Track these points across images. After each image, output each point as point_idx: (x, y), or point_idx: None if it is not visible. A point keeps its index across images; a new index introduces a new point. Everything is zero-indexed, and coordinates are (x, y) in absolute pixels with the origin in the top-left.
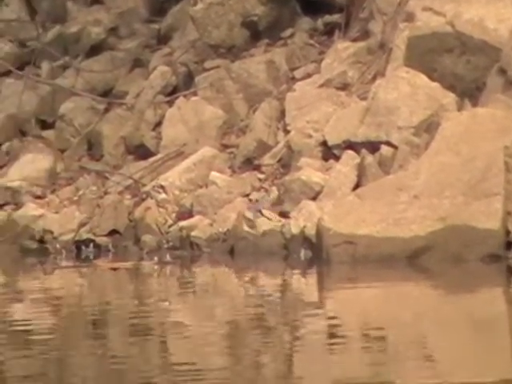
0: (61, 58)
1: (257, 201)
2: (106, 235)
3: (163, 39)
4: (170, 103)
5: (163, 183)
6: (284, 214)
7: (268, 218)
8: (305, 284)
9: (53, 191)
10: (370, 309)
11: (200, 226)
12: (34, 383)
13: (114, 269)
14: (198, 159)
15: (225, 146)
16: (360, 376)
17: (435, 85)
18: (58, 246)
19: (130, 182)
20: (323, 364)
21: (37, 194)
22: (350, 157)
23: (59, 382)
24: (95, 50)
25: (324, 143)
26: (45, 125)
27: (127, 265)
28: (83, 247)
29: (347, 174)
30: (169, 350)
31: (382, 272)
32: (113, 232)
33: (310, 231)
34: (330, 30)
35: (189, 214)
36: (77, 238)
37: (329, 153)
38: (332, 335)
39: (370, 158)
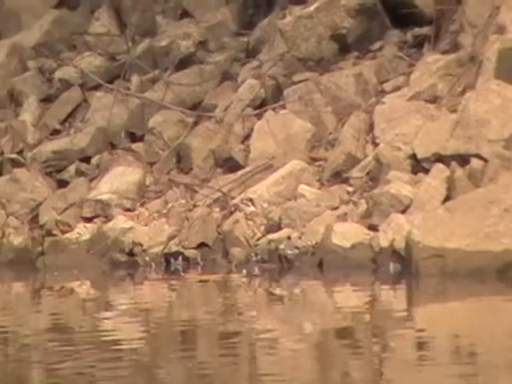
0: (150, 71)
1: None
2: (194, 248)
3: (252, 52)
4: (259, 116)
5: (252, 196)
6: (373, 227)
7: None
8: (394, 297)
9: (142, 204)
10: (460, 322)
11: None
12: None
13: (203, 281)
14: (286, 172)
15: (313, 159)
16: None
17: None
18: (147, 258)
19: (218, 195)
20: (412, 377)
21: (126, 206)
22: (439, 170)
23: None
24: (184, 63)
25: (413, 156)
26: (134, 138)
27: (216, 277)
28: (172, 260)
29: (437, 187)
30: (257, 362)
31: (471, 286)
32: (201, 245)
33: (399, 244)
34: (419, 43)
35: (277, 227)
36: (166, 251)
37: (418, 166)
38: (421, 348)
39: (459, 171)
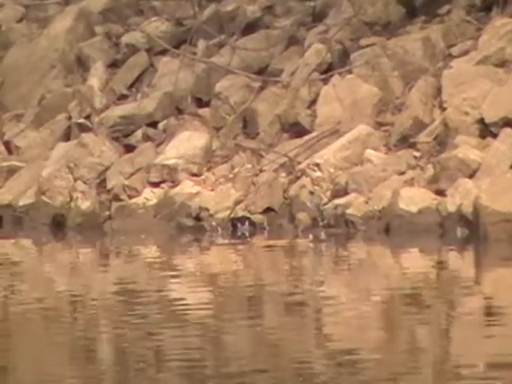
0: (217, 36)
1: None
2: (261, 213)
3: (318, 17)
4: (325, 81)
5: (318, 161)
6: (440, 192)
7: None
8: (461, 262)
9: (208, 169)
10: None
11: (355, 204)
12: (191, 362)
13: (270, 246)
14: (353, 137)
15: (380, 124)
16: None
17: None
18: (213, 223)
19: (284, 159)
20: (480, 341)
21: (193, 171)
22: (507, 134)
23: (215, 357)
24: (251, 28)
25: (481, 120)
26: (200, 103)
27: (282, 242)
28: (239, 225)
29: (505, 151)
30: (323, 327)
31: None
32: (268, 210)
33: (467, 209)
34: (487, 7)
35: (344, 192)
36: (232, 216)
37: (486, 130)
38: (489, 313)
39: None
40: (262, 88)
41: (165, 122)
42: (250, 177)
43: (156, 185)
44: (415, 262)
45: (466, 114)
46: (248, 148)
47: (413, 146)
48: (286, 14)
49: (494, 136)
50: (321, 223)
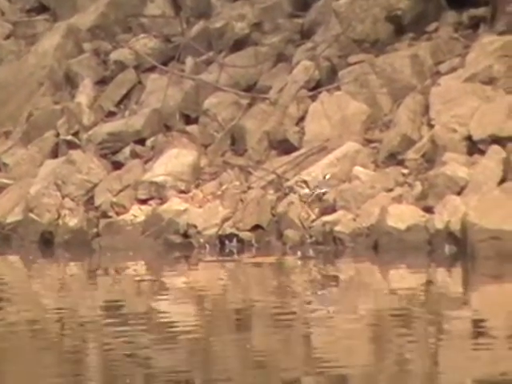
0: (205, 53)
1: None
2: (249, 230)
3: (307, 34)
4: (314, 98)
5: (306, 178)
6: (428, 209)
7: None
8: (449, 279)
9: (197, 186)
10: None
11: (343, 221)
12: (178, 379)
13: (258, 263)
14: (341, 154)
15: (368, 141)
16: (505, 372)
17: None
18: (201, 240)
19: (273, 176)
20: (467, 360)
21: (181, 188)
22: (495, 151)
23: (204, 375)
24: (239, 45)
25: (469, 138)
26: (189, 120)
27: (270, 259)
28: (227, 242)
29: (493, 168)
30: (311, 344)
31: None
32: (256, 227)
33: (455, 226)
34: (475, 24)
35: (332, 209)
36: (220, 233)
37: (474, 147)
38: (476, 331)
39: None
40: (250, 105)
41: (153, 138)
42: (238, 194)
43: (144, 202)
44: (403, 279)
45: (454, 131)
46: (236, 165)
47: (401, 163)
48: (274, 31)
49: (482, 153)
50: (309, 240)
